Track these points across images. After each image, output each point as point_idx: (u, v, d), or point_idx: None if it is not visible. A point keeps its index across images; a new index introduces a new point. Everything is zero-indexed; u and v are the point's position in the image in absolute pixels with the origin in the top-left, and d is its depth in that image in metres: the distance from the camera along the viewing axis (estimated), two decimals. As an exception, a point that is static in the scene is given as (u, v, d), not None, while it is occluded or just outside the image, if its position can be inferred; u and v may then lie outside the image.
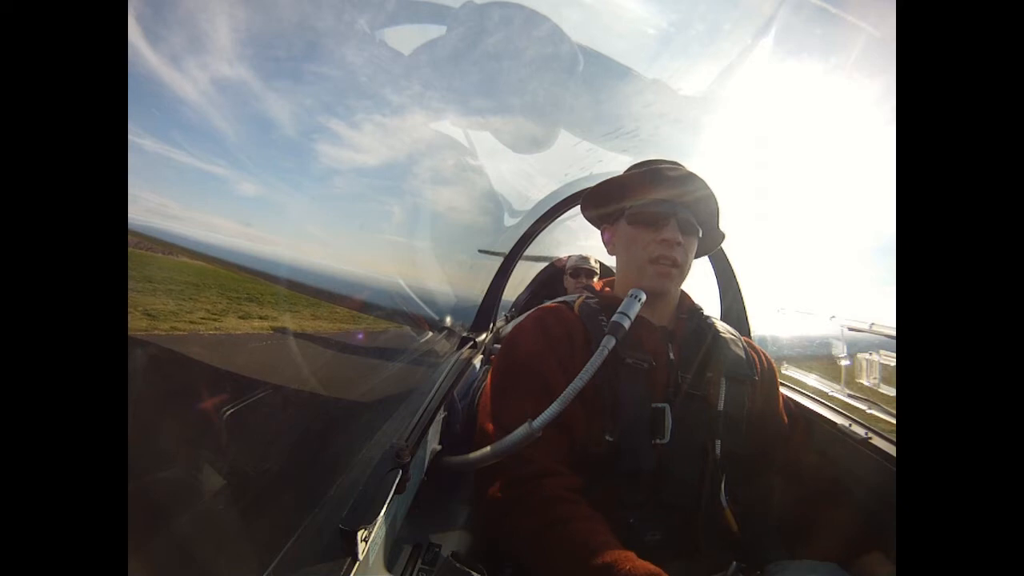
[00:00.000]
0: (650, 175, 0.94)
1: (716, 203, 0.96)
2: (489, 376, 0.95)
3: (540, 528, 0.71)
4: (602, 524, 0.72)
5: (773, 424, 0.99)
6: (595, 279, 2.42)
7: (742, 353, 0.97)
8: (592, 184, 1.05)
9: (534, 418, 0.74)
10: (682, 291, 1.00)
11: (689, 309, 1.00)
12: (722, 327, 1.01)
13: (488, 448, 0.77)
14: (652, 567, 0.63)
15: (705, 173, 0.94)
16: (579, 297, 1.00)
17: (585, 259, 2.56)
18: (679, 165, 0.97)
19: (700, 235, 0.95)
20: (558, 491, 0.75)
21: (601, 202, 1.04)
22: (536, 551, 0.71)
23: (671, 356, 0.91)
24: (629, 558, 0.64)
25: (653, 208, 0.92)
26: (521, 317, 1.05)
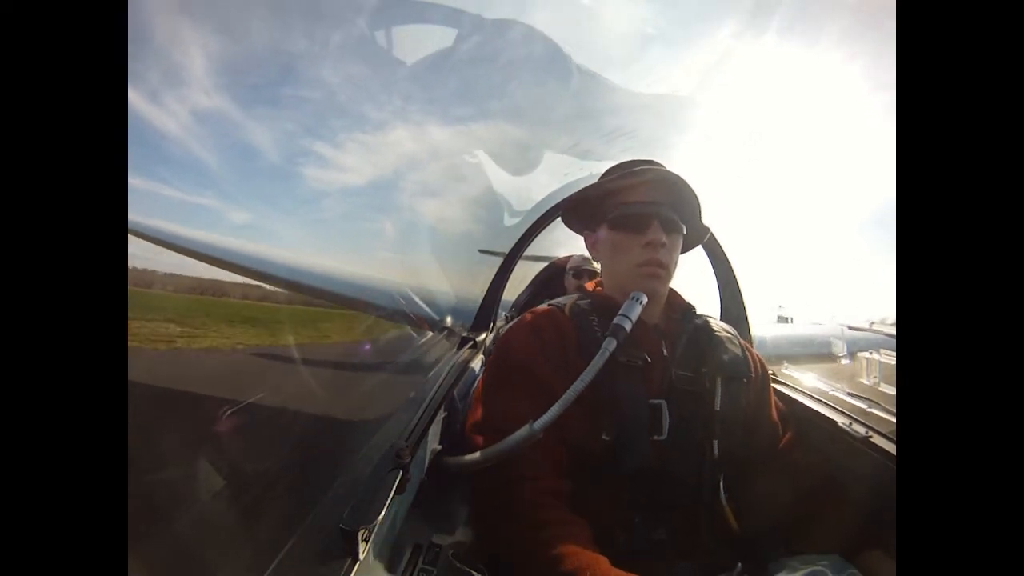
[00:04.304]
0: (627, 178, 0.94)
1: (696, 197, 0.95)
2: (481, 379, 0.95)
3: (517, 533, 0.71)
4: (580, 528, 0.71)
5: (768, 423, 0.99)
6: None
7: (738, 351, 0.97)
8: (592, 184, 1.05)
9: (534, 420, 0.74)
10: (671, 289, 1.00)
11: (680, 308, 1.01)
12: (717, 325, 1.01)
13: (488, 449, 0.77)
14: (620, 573, 0.63)
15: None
16: (571, 299, 1.00)
17: (588, 260, 2.55)
18: (656, 163, 0.98)
19: (684, 232, 0.95)
20: (534, 496, 0.74)
21: (581, 210, 1.04)
22: (514, 556, 0.71)
23: (665, 353, 0.91)
24: (591, 566, 0.63)
25: (634, 211, 0.92)
26: (515, 320, 1.06)
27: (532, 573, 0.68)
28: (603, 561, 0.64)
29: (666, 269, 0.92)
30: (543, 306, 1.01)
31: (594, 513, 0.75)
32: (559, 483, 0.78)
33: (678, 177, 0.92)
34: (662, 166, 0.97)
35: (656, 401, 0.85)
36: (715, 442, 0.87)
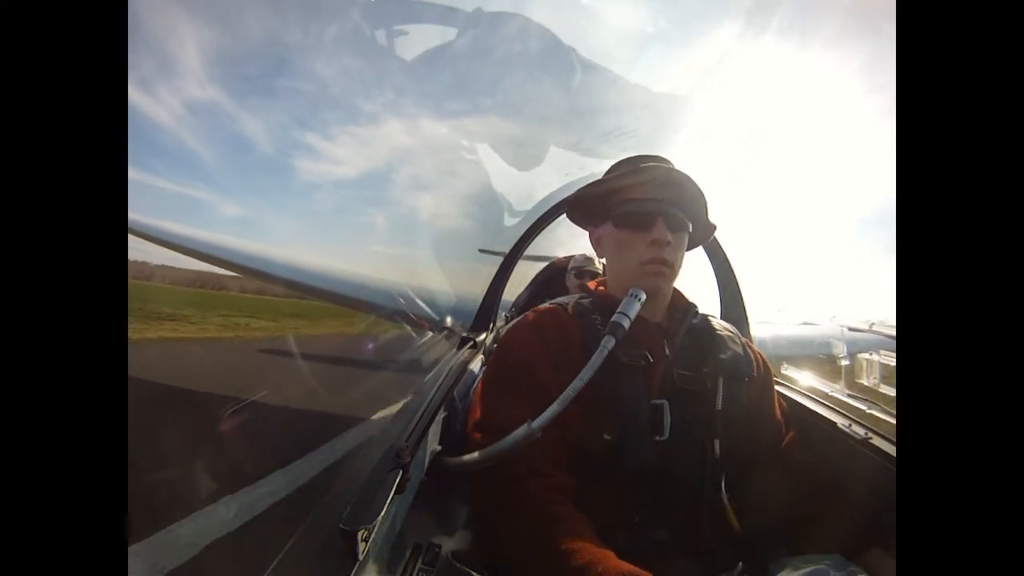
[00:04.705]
0: (632, 175, 0.94)
1: (702, 194, 0.95)
2: (482, 378, 0.95)
3: (524, 530, 0.71)
4: (584, 525, 0.71)
5: (770, 423, 0.99)
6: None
7: (740, 351, 0.97)
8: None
9: (532, 419, 0.74)
10: (674, 289, 1.00)
11: (683, 307, 1.00)
12: (718, 325, 1.01)
13: (487, 449, 0.77)
14: (629, 567, 0.62)
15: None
16: (573, 298, 1.00)
17: (590, 260, 2.56)
18: (662, 160, 0.97)
19: (690, 229, 0.95)
20: (541, 492, 0.74)
21: (586, 206, 1.04)
22: (521, 553, 0.71)
23: (667, 352, 0.91)
24: (600, 561, 0.63)
25: (639, 209, 0.92)
26: (518, 318, 1.05)
27: (539, 569, 0.67)
28: (611, 556, 0.64)
29: (671, 268, 0.91)
30: (546, 305, 1.01)
31: (595, 512, 0.74)
32: (565, 480, 0.78)
33: (684, 174, 0.92)
34: (669, 162, 0.97)
35: (658, 401, 0.85)
36: (716, 441, 0.87)
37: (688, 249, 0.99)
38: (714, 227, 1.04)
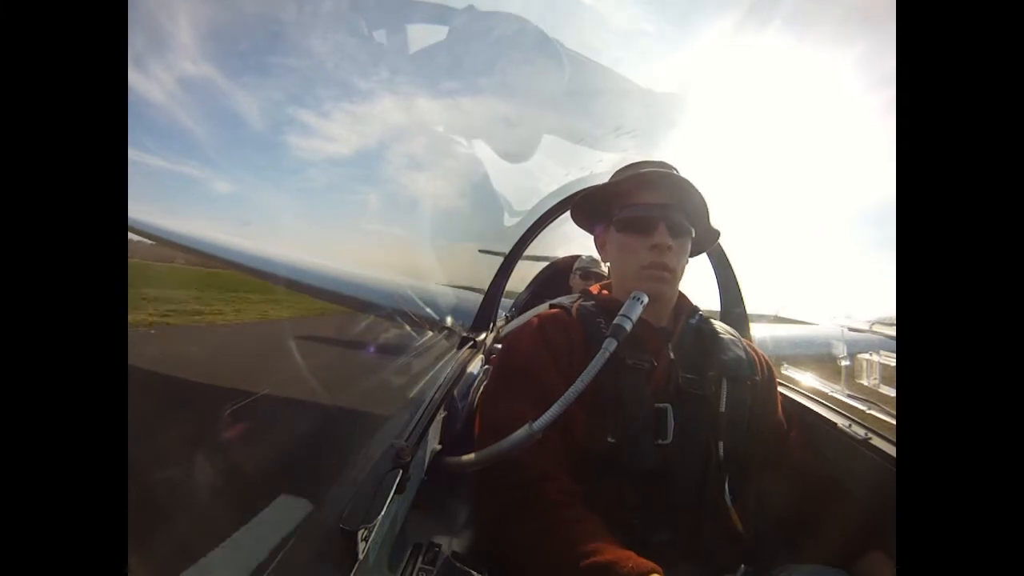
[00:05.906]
0: (634, 179, 0.94)
1: (704, 200, 0.95)
2: (486, 382, 0.95)
3: (539, 532, 0.71)
4: (600, 526, 0.72)
5: (773, 425, 0.99)
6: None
7: (742, 353, 0.97)
8: (592, 184, 1.06)
9: (534, 420, 0.74)
10: (679, 292, 1.00)
11: (687, 310, 1.01)
12: (721, 327, 1.01)
13: (488, 449, 0.77)
14: (652, 565, 0.63)
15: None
16: (576, 299, 1.00)
17: (596, 262, 2.56)
18: (666, 165, 0.97)
19: (692, 235, 0.95)
20: (555, 495, 0.74)
21: (589, 209, 1.04)
22: (536, 554, 0.71)
23: (671, 356, 0.91)
24: (630, 557, 0.64)
25: (641, 213, 0.92)
26: (520, 320, 1.06)
27: (559, 570, 0.67)
28: (631, 554, 0.65)
29: (672, 272, 0.92)
30: (548, 308, 1.01)
31: (598, 514, 0.75)
32: (573, 484, 0.78)
33: (687, 180, 0.92)
34: (673, 167, 0.97)
35: (662, 405, 0.85)
36: (720, 444, 0.87)
37: (692, 256, 0.99)
38: (717, 234, 1.04)
